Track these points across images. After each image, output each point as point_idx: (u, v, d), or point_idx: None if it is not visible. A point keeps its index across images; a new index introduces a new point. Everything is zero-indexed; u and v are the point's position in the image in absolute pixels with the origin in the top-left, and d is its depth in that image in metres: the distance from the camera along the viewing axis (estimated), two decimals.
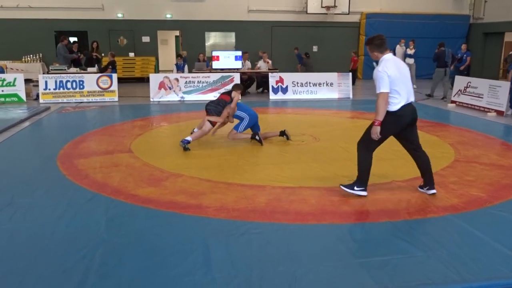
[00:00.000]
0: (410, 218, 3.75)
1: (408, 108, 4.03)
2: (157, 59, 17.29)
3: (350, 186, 4.28)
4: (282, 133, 6.72)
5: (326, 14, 17.35)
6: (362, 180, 4.23)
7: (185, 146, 6.02)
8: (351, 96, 12.32)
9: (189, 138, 6.11)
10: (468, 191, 4.45)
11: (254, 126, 6.63)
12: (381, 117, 3.97)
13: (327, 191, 4.41)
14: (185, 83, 11.74)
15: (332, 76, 12.47)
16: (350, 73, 12.97)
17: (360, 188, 4.23)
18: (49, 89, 11.06)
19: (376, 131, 4.02)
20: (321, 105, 10.88)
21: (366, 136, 4.18)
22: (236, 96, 6.58)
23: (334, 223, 3.65)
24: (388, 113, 3.99)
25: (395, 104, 3.97)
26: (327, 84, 12.36)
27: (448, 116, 9.44)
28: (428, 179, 4.30)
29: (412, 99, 4.09)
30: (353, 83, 14.23)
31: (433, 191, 4.29)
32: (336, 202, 4.12)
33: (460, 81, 10.92)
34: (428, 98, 12.31)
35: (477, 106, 10.10)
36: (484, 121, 8.75)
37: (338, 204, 4.06)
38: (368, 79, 17.37)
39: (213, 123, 6.33)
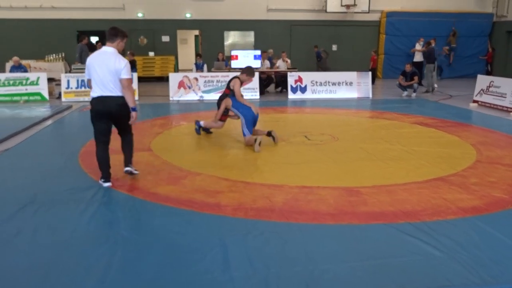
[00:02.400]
0: (429, 219, 3.70)
1: (99, 100, 4.38)
2: (176, 58, 17.45)
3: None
4: (269, 134, 6.47)
5: (346, 12, 17.22)
6: (102, 172, 4.58)
7: (197, 128, 6.16)
8: (370, 96, 12.21)
9: (201, 122, 6.23)
10: (490, 192, 4.37)
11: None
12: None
13: (346, 191, 4.39)
14: (204, 82, 11.82)
15: (351, 75, 12.37)
16: (370, 72, 12.85)
17: (102, 180, 4.57)
18: (71, 88, 11.29)
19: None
20: (340, 104, 10.82)
21: None
22: (236, 84, 6.44)
23: (352, 224, 3.63)
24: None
25: (92, 93, 4.45)
26: (346, 84, 12.27)
27: (470, 116, 9.28)
28: (126, 159, 4.83)
29: (105, 93, 4.37)
30: (373, 82, 14.09)
31: (128, 168, 4.76)
32: (354, 202, 4.10)
33: (483, 80, 10.71)
34: (428, 92, 13.01)
35: (500, 106, 9.88)
36: (507, 121, 8.56)
37: (356, 204, 4.04)
38: (388, 78, 17.17)
39: (221, 118, 6.48)
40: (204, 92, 11.79)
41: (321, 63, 15.73)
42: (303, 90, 12.14)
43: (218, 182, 4.69)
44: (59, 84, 11.51)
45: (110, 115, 4.45)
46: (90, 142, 6.47)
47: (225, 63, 13.43)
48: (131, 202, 4.12)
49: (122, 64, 4.36)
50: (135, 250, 3.16)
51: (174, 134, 7.36)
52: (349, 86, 12.26)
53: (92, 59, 4.42)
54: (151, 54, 17.15)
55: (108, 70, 4.33)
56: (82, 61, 12.93)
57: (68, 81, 11.28)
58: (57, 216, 3.78)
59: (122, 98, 4.43)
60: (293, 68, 13.40)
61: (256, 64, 12.74)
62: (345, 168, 5.24)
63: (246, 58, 12.75)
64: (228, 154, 5.92)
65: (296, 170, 5.15)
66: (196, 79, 11.82)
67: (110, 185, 4.51)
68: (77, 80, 11.29)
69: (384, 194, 4.31)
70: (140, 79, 13.57)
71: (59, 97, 11.41)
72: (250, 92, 11.87)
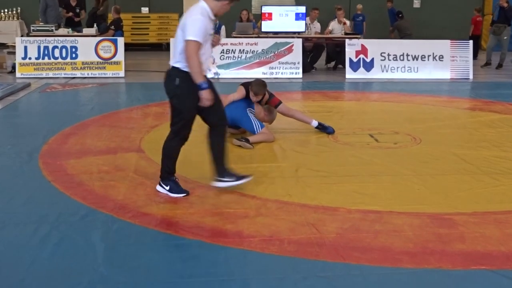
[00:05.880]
0: None
1: None
2: (181, 17, 17.62)
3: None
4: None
5: None
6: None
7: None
8: (471, 77, 12.04)
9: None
10: None
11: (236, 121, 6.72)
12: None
13: (433, 220, 4.33)
14: (221, 52, 11.86)
15: (442, 46, 12.26)
16: (471, 41, 12.67)
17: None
18: (30, 59, 11.52)
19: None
20: (424, 89, 10.72)
21: None
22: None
23: (442, 269, 3.58)
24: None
25: None
26: (434, 58, 12.15)
27: None
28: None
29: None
30: (475, 56, 13.89)
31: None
32: (445, 236, 4.04)
33: None
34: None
35: None
36: None
37: (448, 240, 3.98)
38: (499, 50, 16.86)
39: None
40: (220, 67, 11.83)
41: (397, 27, 15.44)
42: (369, 66, 12.07)
43: (240, 200, 4.70)
44: (13, 53, 11.77)
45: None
46: (56, 138, 6.65)
47: (252, 25, 13.46)
48: (114, 226, 4.16)
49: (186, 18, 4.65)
50: None
51: None
52: (439, 62, 12.13)
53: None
54: (145, 10, 17.34)
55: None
56: (48, 19, 13.20)
57: (26, 48, 11.51)
58: (9, 243, 3.85)
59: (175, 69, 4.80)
60: (355, 33, 13.33)
61: (299, 27, 12.73)
62: (431, 185, 5.18)
63: (284, 18, 12.76)
64: (254, 159, 5.93)
65: (357, 187, 5.12)
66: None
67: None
68: (38, 47, 11.51)
69: (491, 225, 4.24)
70: (128, 47, 13.76)
71: (13, 71, 11.67)
72: (290, 68, 11.87)
